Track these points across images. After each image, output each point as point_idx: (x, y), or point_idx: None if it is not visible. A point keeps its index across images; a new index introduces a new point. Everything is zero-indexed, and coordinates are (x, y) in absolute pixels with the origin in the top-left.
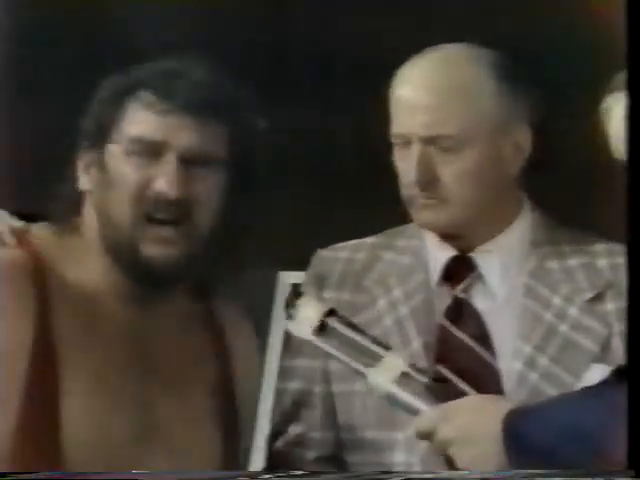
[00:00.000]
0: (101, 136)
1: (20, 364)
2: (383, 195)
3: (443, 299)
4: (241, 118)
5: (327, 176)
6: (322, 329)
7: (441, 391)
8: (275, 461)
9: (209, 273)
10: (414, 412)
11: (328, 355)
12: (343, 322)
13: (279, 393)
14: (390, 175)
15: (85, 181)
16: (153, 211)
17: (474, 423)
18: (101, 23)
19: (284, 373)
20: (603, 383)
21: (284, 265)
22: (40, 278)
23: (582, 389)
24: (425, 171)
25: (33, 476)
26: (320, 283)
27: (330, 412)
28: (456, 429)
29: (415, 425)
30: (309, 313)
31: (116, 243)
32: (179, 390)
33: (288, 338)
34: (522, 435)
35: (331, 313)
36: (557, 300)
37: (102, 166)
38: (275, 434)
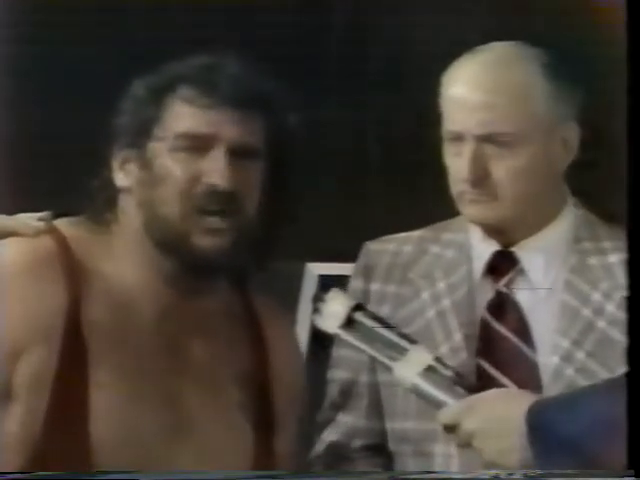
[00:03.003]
0: (140, 134)
1: (51, 351)
2: (413, 189)
3: (485, 293)
4: (275, 109)
5: (358, 171)
6: (349, 323)
7: (468, 384)
8: (324, 449)
9: (248, 263)
10: (439, 405)
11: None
12: (370, 316)
13: (327, 383)
14: (420, 170)
15: (122, 178)
16: (204, 204)
17: (498, 416)
18: (128, 22)
19: (332, 363)
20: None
21: (312, 257)
22: (69, 268)
23: (606, 381)
24: (477, 168)
25: (33, 476)
26: (367, 275)
27: (376, 401)
28: (480, 422)
29: (439, 418)
30: (336, 307)
31: (166, 237)
32: (211, 384)
33: None
34: (546, 428)
35: (358, 307)
36: (596, 296)
37: (145, 164)
38: (324, 423)
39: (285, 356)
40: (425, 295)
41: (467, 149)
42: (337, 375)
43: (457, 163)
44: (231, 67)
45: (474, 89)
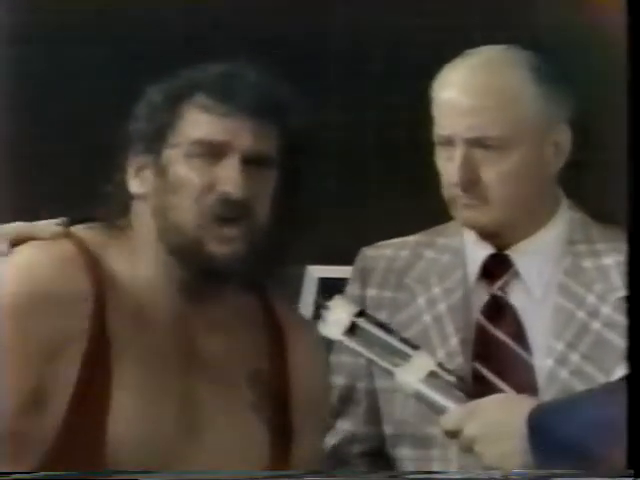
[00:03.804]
0: (155, 140)
1: (74, 357)
2: (414, 192)
3: (481, 296)
4: (289, 119)
5: (358, 171)
6: (352, 330)
7: (470, 389)
8: (324, 455)
9: (262, 268)
10: (441, 411)
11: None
12: (373, 322)
13: None
14: (421, 173)
15: (137, 185)
16: (218, 212)
17: (499, 421)
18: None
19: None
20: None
21: (312, 259)
22: (92, 270)
23: (606, 384)
24: (468, 172)
25: (33, 476)
26: (364, 281)
27: (374, 407)
28: (481, 427)
29: (441, 423)
30: (339, 314)
31: (180, 244)
32: (227, 386)
33: None
34: (547, 432)
35: (361, 314)
36: (591, 298)
37: (160, 170)
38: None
39: (305, 361)
40: (421, 300)
41: (457, 153)
42: (335, 381)
43: (448, 167)
44: (248, 76)
45: (463, 93)
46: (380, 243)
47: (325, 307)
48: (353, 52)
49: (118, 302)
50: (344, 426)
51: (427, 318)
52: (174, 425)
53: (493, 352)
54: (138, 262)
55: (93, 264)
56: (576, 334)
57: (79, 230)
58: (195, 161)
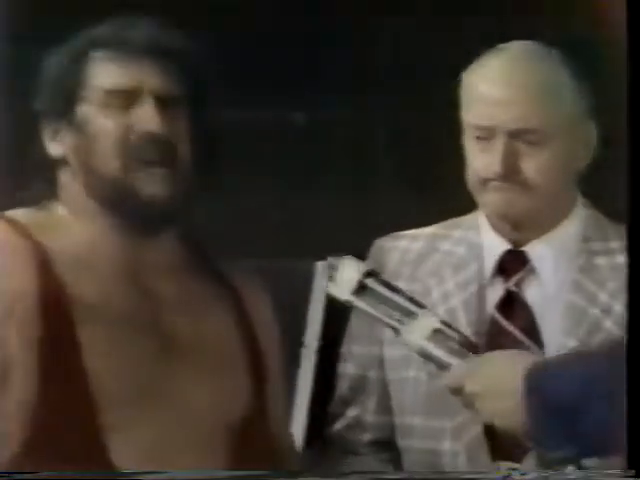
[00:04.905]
0: (66, 101)
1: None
2: (417, 187)
3: (495, 292)
4: (189, 60)
5: (362, 167)
6: (361, 290)
7: (473, 345)
8: (333, 443)
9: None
10: (445, 367)
11: (382, 342)
12: (381, 282)
13: (337, 377)
14: (429, 169)
15: (56, 147)
16: (142, 152)
17: (499, 377)
18: None
19: (342, 358)
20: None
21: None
22: (28, 244)
23: (604, 343)
24: (509, 163)
25: (33, 476)
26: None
27: (384, 397)
28: (482, 383)
29: (445, 380)
30: (349, 274)
31: (110, 194)
32: (198, 313)
33: (346, 325)
34: (542, 389)
35: (370, 274)
36: (603, 296)
37: (76, 128)
38: (333, 417)
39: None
40: (435, 292)
41: (498, 144)
42: (347, 370)
43: (484, 157)
44: (141, 25)
45: (505, 85)
46: (394, 234)
47: (335, 268)
48: (354, 51)
49: (64, 269)
50: (354, 414)
51: (440, 311)
52: (150, 359)
53: (506, 347)
54: (73, 228)
55: (26, 239)
56: (588, 332)
57: (8, 214)
58: (109, 110)
